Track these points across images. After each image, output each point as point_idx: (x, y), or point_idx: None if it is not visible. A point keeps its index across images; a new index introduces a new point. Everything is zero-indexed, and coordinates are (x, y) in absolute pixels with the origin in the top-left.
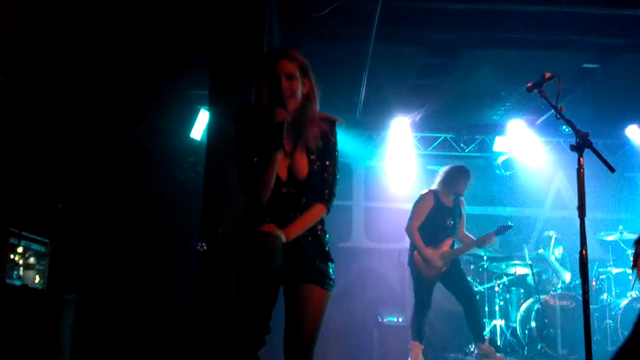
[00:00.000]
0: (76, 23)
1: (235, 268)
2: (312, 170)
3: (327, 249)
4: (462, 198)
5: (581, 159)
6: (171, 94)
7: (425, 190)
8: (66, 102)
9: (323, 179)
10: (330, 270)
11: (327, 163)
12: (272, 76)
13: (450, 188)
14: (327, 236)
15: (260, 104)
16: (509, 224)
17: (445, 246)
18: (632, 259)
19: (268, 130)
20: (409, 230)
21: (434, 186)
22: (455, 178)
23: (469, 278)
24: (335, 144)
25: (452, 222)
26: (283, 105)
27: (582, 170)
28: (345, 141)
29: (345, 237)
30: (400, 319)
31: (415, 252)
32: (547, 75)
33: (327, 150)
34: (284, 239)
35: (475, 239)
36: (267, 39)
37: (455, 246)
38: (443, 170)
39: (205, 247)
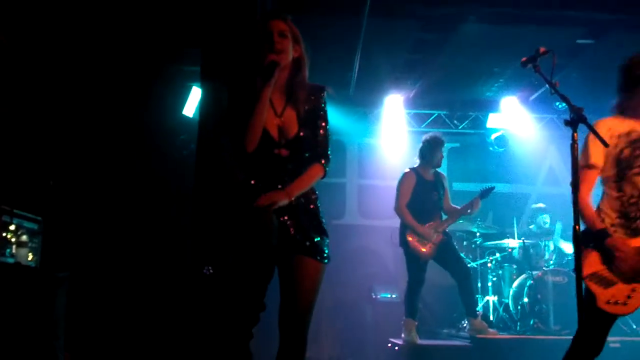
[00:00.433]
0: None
1: (230, 242)
2: (303, 129)
3: (322, 222)
4: (442, 172)
5: (575, 134)
6: (163, 71)
7: (406, 169)
8: (58, 78)
9: (316, 141)
10: (326, 244)
11: (318, 123)
12: (265, 33)
13: (429, 161)
14: (322, 211)
15: (255, 63)
16: (491, 185)
17: (437, 220)
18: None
19: (260, 75)
20: (398, 209)
21: (414, 164)
22: (430, 150)
23: (462, 254)
24: (324, 107)
25: (436, 195)
26: (275, 53)
27: (576, 145)
28: (339, 118)
29: (339, 214)
30: (394, 295)
31: (408, 231)
32: (542, 49)
33: (317, 112)
34: (286, 201)
35: (460, 207)
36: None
37: (443, 218)
38: (418, 147)
39: (211, 271)
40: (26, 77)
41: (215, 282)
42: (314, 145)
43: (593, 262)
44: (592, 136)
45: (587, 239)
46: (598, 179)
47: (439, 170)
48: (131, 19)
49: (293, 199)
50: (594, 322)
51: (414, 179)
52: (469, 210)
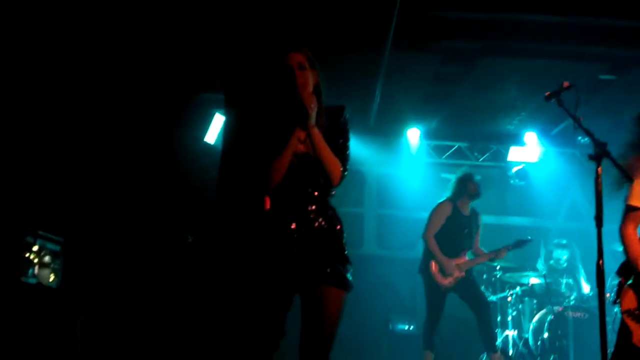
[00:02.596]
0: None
1: (250, 269)
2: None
3: (345, 249)
4: (478, 211)
5: (599, 169)
6: (187, 97)
7: (443, 199)
8: (86, 102)
9: (336, 145)
10: (348, 271)
11: (338, 140)
12: (285, 67)
13: (465, 193)
14: (345, 236)
15: (277, 95)
16: (528, 237)
17: (463, 257)
18: (615, 292)
19: (290, 113)
20: (426, 237)
21: (450, 195)
22: (464, 181)
23: (482, 288)
24: (346, 125)
25: (467, 230)
26: (297, 95)
27: (600, 180)
28: (359, 147)
29: (357, 244)
30: (411, 327)
31: (432, 261)
32: (566, 84)
33: (337, 131)
34: (312, 120)
35: (487, 252)
36: None
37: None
38: (452, 180)
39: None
40: (55, 100)
41: (237, 309)
42: (336, 150)
43: (631, 299)
44: (638, 178)
45: (627, 274)
46: None
47: (476, 209)
48: (160, 46)
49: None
50: (625, 358)
51: (450, 210)
52: (494, 257)
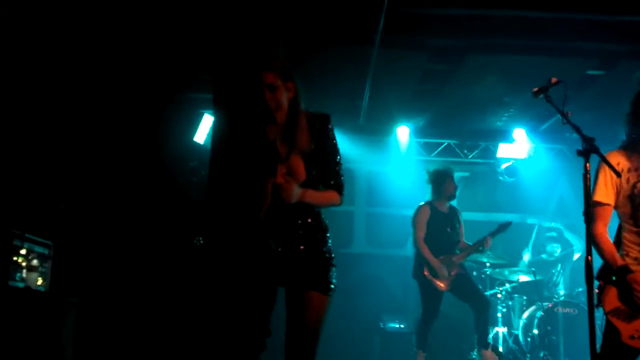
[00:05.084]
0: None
1: (229, 268)
2: (310, 174)
3: (327, 253)
4: (456, 207)
5: (587, 165)
6: (176, 98)
7: (421, 203)
8: (71, 104)
9: (328, 175)
10: (332, 274)
11: (329, 158)
12: (255, 89)
13: (441, 193)
14: (330, 241)
15: (246, 118)
16: (508, 221)
17: (451, 254)
18: (597, 295)
19: (257, 148)
20: (416, 242)
21: (428, 197)
22: (441, 180)
23: None
24: (332, 138)
25: (450, 228)
26: (270, 118)
27: (588, 175)
28: (348, 146)
29: (346, 242)
30: (402, 325)
31: (426, 265)
32: (554, 80)
33: (325, 146)
34: (296, 198)
35: (472, 244)
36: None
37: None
38: (427, 180)
39: (201, 242)
40: (39, 102)
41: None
42: (327, 179)
43: (613, 298)
44: (602, 172)
45: (607, 274)
46: (614, 213)
47: (454, 205)
48: (146, 47)
49: (299, 223)
50: (616, 357)
51: (428, 212)
52: (480, 248)
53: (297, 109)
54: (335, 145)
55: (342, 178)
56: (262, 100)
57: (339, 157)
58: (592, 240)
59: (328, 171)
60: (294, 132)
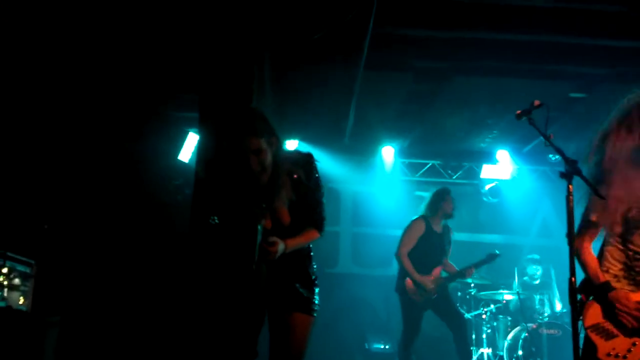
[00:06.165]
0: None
1: (222, 289)
2: (295, 216)
3: (311, 274)
4: (450, 227)
5: (570, 187)
6: (160, 116)
7: (417, 217)
8: (53, 120)
9: (311, 212)
10: (315, 295)
11: (311, 198)
12: (240, 154)
13: (439, 211)
14: (314, 264)
15: (232, 180)
16: (496, 252)
17: (436, 273)
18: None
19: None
20: (399, 255)
21: (424, 212)
22: (440, 199)
23: (456, 305)
24: (315, 179)
25: (440, 248)
26: (255, 181)
27: (571, 197)
28: (333, 166)
29: (332, 262)
30: (387, 346)
31: (408, 279)
32: (536, 102)
33: (305, 195)
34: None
35: (458, 270)
36: (257, 68)
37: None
38: (427, 196)
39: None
40: (22, 122)
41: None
42: (308, 218)
43: (595, 314)
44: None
45: (588, 290)
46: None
47: (449, 224)
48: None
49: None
50: None
51: (423, 228)
52: (466, 275)
53: (278, 160)
54: (318, 182)
55: (323, 213)
56: (247, 166)
57: (320, 194)
58: (576, 254)
59: (309, 212)
60: (277, 189)
